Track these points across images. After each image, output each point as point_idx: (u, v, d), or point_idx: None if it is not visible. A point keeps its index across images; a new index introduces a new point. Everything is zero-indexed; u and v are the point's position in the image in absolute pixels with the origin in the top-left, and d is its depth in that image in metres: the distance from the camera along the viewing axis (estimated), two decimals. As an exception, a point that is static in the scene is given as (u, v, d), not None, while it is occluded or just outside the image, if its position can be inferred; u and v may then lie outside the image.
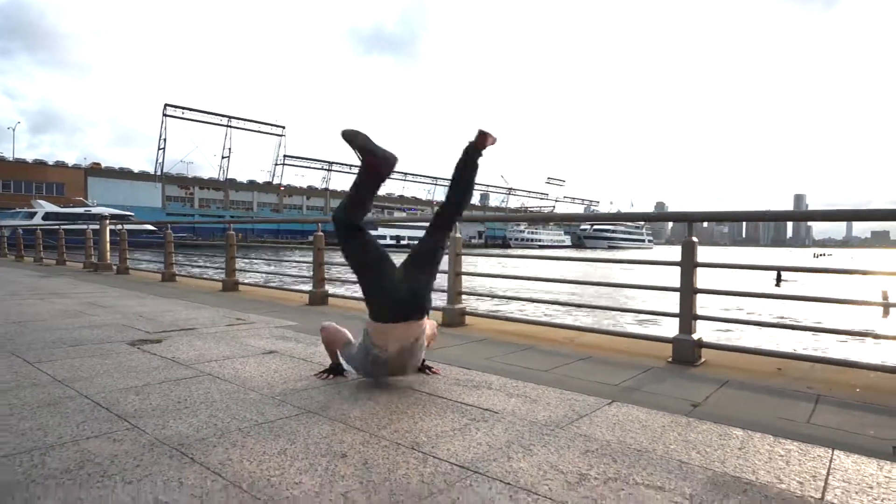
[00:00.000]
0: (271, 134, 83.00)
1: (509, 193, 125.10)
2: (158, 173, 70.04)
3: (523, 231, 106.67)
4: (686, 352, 3.76)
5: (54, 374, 2.95)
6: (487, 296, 7.27)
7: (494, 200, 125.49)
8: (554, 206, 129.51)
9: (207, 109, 76.74)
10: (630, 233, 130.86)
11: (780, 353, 3.77)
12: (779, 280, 24.81)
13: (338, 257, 3.86)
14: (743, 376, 3.38)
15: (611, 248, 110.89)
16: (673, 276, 3.97)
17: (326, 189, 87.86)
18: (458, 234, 5.28)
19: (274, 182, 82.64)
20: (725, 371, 3.52)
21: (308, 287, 6.79)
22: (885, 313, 16.28)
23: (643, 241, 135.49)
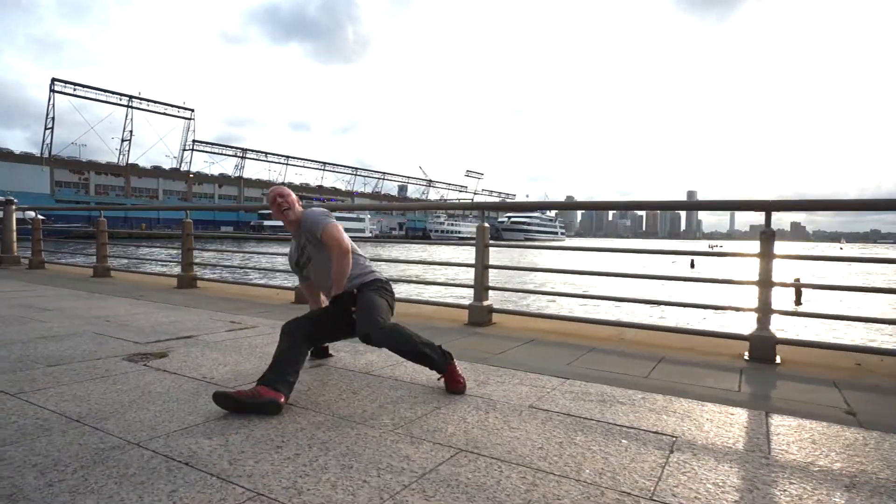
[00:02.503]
0: (178, 117, 77.14)
1: (429, 185, 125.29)
2: (46, 156, 62.78)
3: (443, 223, 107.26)
4: (766, 349, 3.53)
5: (61, 410, 2.15)
6: (505, 290, 6.62)
7: (414, 192, 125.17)
8: (472, 198, 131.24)
9: (105, 87, 69.70)
10: (544, 225, 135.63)
11: (853, 346, 3.67)
12: (692, 265, 26.60)
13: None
14: (838, 374, 3.19)
15: (527, 239, 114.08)
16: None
17: (240, 177, 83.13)
18: (485, 224, 4.78)
19: (182, 169, 76.91)
20: (811, 368, 3.33)
21: (283, 282, 6.00)
22: (798, 301, 17.84)
23: (556, 233, 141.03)
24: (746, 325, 3.79)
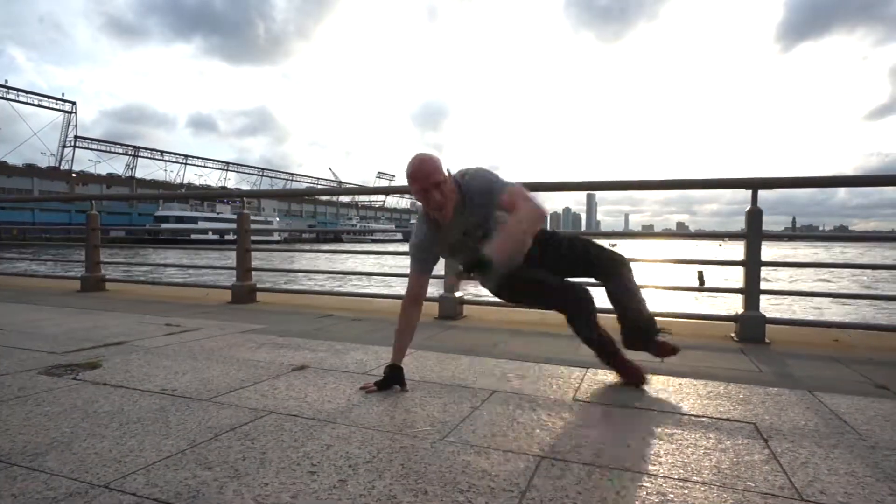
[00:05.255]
0: (57, 109, 69.48)
1: (340, 187, 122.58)
2: None
3: (355, 224, 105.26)
4: (756, 329, 3.48)
5: (-31, 446, 1.51)
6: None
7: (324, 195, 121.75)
8: (384, 201, 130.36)
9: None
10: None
11: (837, 323, 3.73)
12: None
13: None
14: (829, 350, 3.20)
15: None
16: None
17: (132, 177, 76.42)
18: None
19: (62, 167, 69.33)
20: (801, 346, 3.32)
21: (208, 280, 5.30)
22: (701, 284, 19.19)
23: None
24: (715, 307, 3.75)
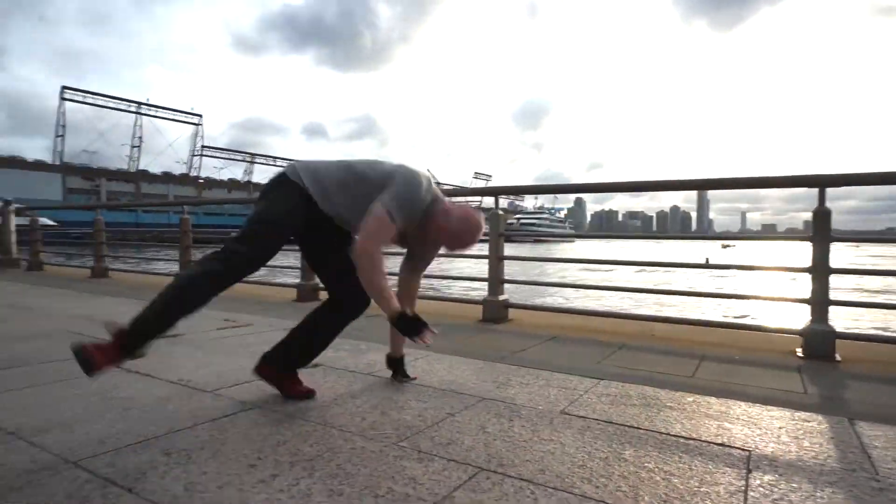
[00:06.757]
0: (187, 122, 77.62)
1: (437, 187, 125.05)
2: (58, 163, 63.27)
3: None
4: (824, 345, 3.10)
5: (42, 444, 1.77)
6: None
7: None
8: (481, 201, 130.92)
9: (113, 95, 70.46)
10: (553, 226, 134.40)
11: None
12: (707, 262, 25.84)
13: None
14: (912, 373, 2.77)
15: (536, 241, 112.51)
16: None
17: (249, 182, 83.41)
18: (499, 211, 4.38)
19: (192, 174, 77.29)
20: (878, 367, 2.92)
21: (291, 280, 5.67)
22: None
23: (566, 235, 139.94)
24: (786, 318, 3.38)
